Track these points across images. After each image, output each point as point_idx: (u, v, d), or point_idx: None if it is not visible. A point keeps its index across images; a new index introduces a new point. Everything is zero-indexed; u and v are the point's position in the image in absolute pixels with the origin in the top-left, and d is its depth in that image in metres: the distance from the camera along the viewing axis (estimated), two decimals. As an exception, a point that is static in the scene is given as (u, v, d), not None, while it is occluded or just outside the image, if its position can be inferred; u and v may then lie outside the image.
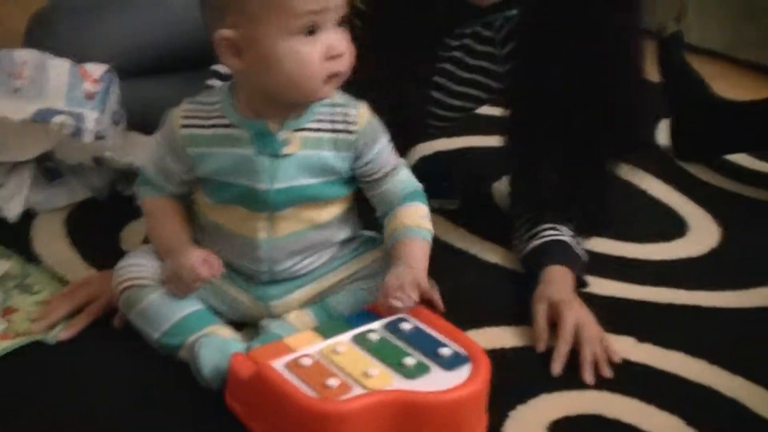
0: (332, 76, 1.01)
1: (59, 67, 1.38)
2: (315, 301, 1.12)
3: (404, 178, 1.12)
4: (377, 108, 1.09)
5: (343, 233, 1.14)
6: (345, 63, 1.01)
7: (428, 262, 1.08)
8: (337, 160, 1.06)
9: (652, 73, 2.09)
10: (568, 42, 1.23)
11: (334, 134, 1.05)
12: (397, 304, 1.01)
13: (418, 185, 1.12)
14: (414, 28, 1.30)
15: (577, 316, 1.16)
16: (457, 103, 1.44)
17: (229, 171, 1.05)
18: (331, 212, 1.10)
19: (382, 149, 1.08)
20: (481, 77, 1.40)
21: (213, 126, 1.05)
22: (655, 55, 1.83)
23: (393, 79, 1.31)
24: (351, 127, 1.06)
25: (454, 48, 1.36)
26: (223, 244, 1.10)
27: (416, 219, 1.09)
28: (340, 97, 1.07)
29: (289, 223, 1.08)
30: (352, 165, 1.07)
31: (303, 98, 1.03)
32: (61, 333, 1.11)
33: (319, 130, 1.05)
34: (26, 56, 1.37)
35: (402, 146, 1.15)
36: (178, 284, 1.06)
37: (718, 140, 1.82)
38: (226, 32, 0.99)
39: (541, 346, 1.15)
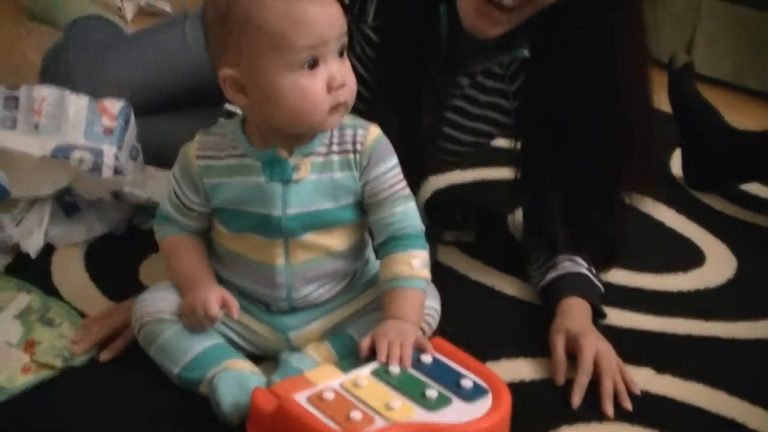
0: (337, 107, 1.02)
1: (78, 103, 1.39)
2: (333, 333, 1.12)
3: (408, 213, 1.09)
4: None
5: (358, 262, 1.15)
6: (348, 92, 1.02)
7: (423, 311, 1.09)
8: (347, 180, 1.07)
9: (663, 103, 2.10)
10: (576, 76, 1.23)
11: (344, 155, 1.07)
12: (382, 359, 1.00)
13: (420, 227, 1.10)
14: (423, 66, 1.31)
15: (596, 347, 1.16)
16: (469, 138, 1.44)
17: (243, 199, 1.07)
18: (346, 241, 1.11)
19: (387, 171, 1.08)
20: (492, 113, 1.40)
21: (226, 156, 1.07)
22: (665, 86, 1.85)
23: (403, 115, 1.32)
24: (358, 147, 1.07)
25: (466, 86, 1.37)
26: (241, 273, 1.11)
27: (413, 267, 1.07)
28: (350, 119, 1.08)
29: (305, 251, 1.08)
30: (360, 184, 1.08)
31: (309, 130, 1.05)
32: (102, 354, 1.13)
33: (329, 153, 1.07)
34: (45, 92, 1.39)
35: (414, 180, 1.15)
36: (192, 319, 1.06)
37: (731, 170, 1.82)
38: (227, 71, 1.02)
39: (560, 378, 1.15)
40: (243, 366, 1.06)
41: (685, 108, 1.84)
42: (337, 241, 1.10)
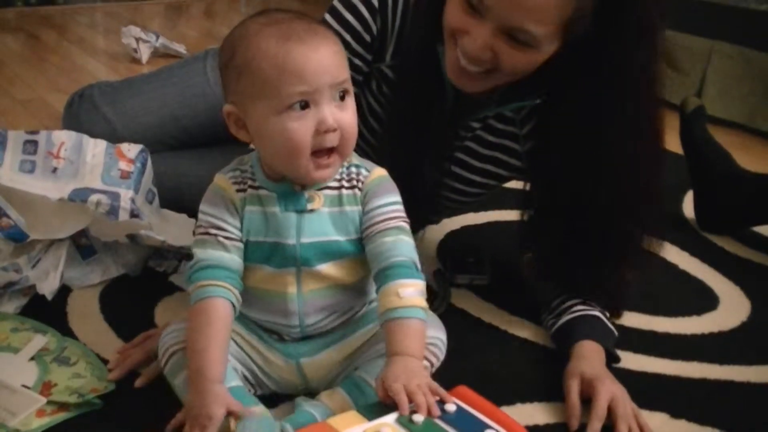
0: (324, 152, 1.03)
1: (96, 148, 1.41)
2: (346, 376, 1.12)
3: (398, 244, 1.08)
4: (396, 180, 1.12)
5: (364, 297, 1.16)
6: (340, 138, 1.03)
7: (424, 342, 1.07)
8: (355, 214, 1.09)
9: (674, 144, 2.11)
10: (587, 123, 1.23)
11: (350, 190, 1.10)
12: (404, 412, 0.96)
13: (411, 258, 1.08)
14: (432, 107, 1.32)
15: (611, 391, 1.15)
16: (478, 179, 1.45)
17: (260, 229, 1.09)
18: (354, 274, 1.12)
19: (383, 205, 1.09)
20: (502, 155, 1.40)
21: (248, 188, 1.10)
22: (676, 128, 1.86)
23: (412, 152, 1.33)
24: (362, 184, 1.10)
25: (477, 128, 1.38)
26: (255, 304, 1.12)
27: (401, 297, 1.05)
28: (357, 159, 1.12)
29: (316, 280, 1.10)
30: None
31: (296, 178, 1.07)
32: (136, 381, 1.16)
33: (340, 188, 1.10)
34: (64, 137, 1.41)
35: (420, 221, 1.15)
36: (192, 422, 0.98)
37: (743, 212, 1.82)
38: (228, 107, 1.06)
39: (575, 424, 1.14)
40: (257, 412, 1.04)
41: (697, 151, 1.85)
42: (346, 273, 1.11)
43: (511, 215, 1.66)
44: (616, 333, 1.30)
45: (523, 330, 1.39)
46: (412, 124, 1.33)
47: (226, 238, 1.08)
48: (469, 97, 1.29)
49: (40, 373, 1.17)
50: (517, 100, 1.30)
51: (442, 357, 1.16)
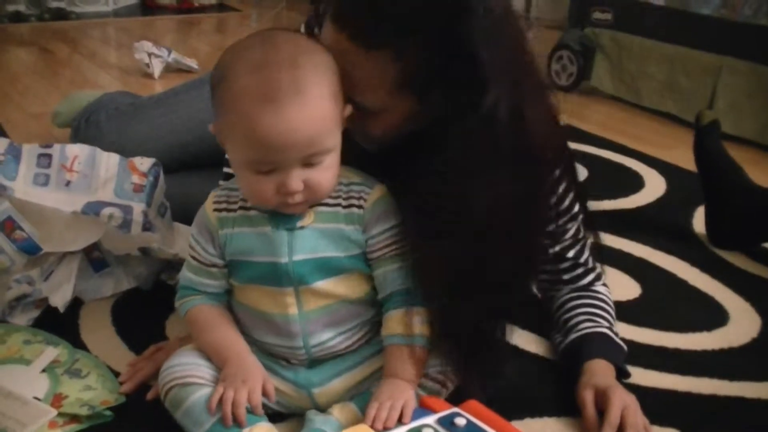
0: (290, 205, 1.04)
1: (109, 161, 1.42)
2: (358, 392, 1.12)
3: (402, 273, 1.10)
4: None
5: (374, 308, 1.14)
6: (301, 197, 1.03)
7: (422, 367, 1.09)
8: (353, 233, 1.08)
9: (685, 160, 2.12)
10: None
11: (349, 209, 1.08)
12: (368, 422, 1.00)
13: (411, 285, 1.09)
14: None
15: (624, 400, 1.15)
16: None
17: (252, 249, 1.09)
18: (358, 290, 1.12)
19: (387, 230, 1.09)
20: None
21: (239, 208, 1.10)
22: (688, 144, 1.86)
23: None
24: (362, 203, 1.08)
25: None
26: (257, 326, 1.13)
27: (407, 324, 1.08)
28: (357, 176, 1.10)
29: (317, 298, 1.09)
30: (364, 238, 1.09)
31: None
32: (148, 394, 1.17)
33: (335, 205, 1.08)
34: (77, 151, 1.42)
35: None
36: (231, 381, 1.05)
37: (754, 228, 1.82)
38: (211, 126, 1.06)
39: None
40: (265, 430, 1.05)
41: (710, 165, 1.84)
42: (349, 289, 1.11)
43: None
44: (625, 348, 1.29)
45: (533, 345, 1.38)
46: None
47: (203, 263, 1.13)
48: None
49: (51, 385, 1.18)
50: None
51: (458, 380, 1.15)
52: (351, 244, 1.09)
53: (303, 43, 1.03)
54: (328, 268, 1.09)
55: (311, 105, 0.98)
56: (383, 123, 1.09)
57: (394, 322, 1.09)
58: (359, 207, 1.08)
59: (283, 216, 1.07)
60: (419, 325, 1.08)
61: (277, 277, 1.08)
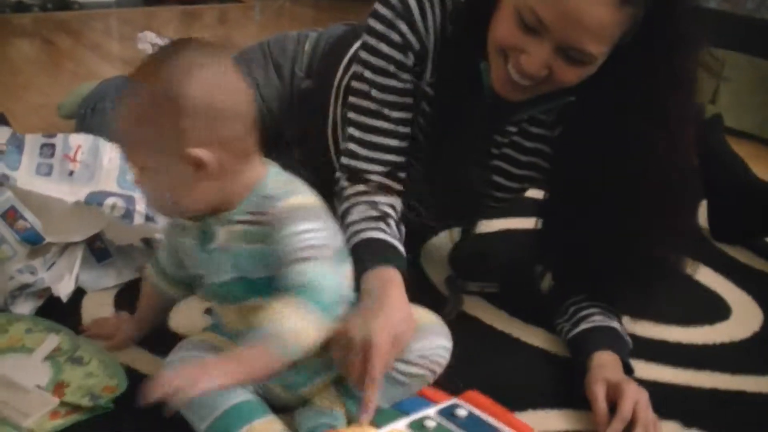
0: None
1: (112, 152, 1.42)
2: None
3: (308, 272, 0.97)
4: (438, 191, 1.10)
5: None
6: None
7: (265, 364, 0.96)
8: (269, 251, 1.00)
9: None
10: (617, 129, 1.20)
11: (256, 226, 1.02)
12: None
13: (318, 284, 0.97)
14: (470, 117, 1.30)
15: (637, 395, 1.15)
16: (516, 185, 1.44)
17: (187, 261, 1.11)
18: None
19: (291, 235, 0.98)
20: (538, 159, 1.38)
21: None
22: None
23: (454, 165, 1.32)
24: (268, 218, 1.00)
25: (514, 133, 1.36)
26: (238, 337, 1.07)
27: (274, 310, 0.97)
28: (278, 189, 1.02)
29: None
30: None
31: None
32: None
33: (245, 222, 1.02)
34: (81, 141, 1.42)
35: (465, 221, 1.11)
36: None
37: (757, 222, 1.82)
38: None
39: (604, 431, 1.14)
40: (274, 428, 1.03)
41: (712, 160, 1.84)
42: None
43: (525, 223, 1.67)
44: (630, 344, 1.30)
45: (535, 338, 1.39)
46: (452, 136, 1.31)
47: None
48: (503, 103, 1.26)
49: (54, 374, 1.18)
50: (547, 101, 1.27)
51: (445, 363, 1.15)
52: (274, 263, 1.00)
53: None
54: (258, 287, 1.03)
55: None
56: (586, 71, 1.16)
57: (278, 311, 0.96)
58: (260, 223, 1.01)
59: (204, 232, 1.06)
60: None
61: (213, 294, 1.09)
